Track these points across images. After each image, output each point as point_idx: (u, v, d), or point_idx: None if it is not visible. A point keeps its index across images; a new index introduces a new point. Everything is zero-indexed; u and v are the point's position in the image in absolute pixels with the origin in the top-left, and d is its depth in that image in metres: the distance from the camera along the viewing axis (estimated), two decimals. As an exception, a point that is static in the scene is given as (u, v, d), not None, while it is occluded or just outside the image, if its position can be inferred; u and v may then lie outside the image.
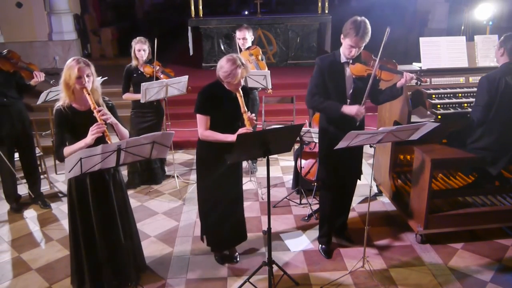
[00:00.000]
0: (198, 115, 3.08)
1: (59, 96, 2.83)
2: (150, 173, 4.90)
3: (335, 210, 3.59)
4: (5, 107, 4.03)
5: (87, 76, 2.70)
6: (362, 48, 3.08)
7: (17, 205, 4.42)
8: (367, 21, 2.99)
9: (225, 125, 3.06)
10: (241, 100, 2.96)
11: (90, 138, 2.64)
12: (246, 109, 2.97)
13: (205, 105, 3.06)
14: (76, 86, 2.69)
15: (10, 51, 4.10)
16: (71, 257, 3.05)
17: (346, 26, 3.02)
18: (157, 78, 4.53)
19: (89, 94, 2.68)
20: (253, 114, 3.01)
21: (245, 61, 3.00)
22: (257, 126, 5.25)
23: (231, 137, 2.92)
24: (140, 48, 4.44)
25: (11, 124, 4.10)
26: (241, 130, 2.92)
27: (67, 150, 2.74)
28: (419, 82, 3.19)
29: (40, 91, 4.32)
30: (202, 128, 3.09)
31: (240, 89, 3.00)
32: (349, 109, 3.10)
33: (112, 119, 2.77)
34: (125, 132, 2.92)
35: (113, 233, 2.95)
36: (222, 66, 2.97)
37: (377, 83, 3.24)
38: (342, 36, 3.08)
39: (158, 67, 4.59)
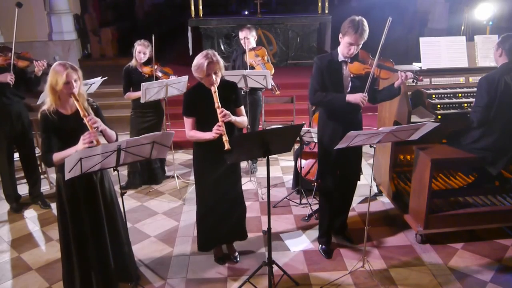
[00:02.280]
0: (184, 118, 3.13)
1: (45, 100, 2.77)
2: (150, 173, 4.90)
3: (335, 210, 3.59)
4: (5, 106, 4.02)
5: (75, 81, 2.65)
6: (361, 46, 3.10)
7: (17, 205, 4.42)
8: (364, 20, 3.04)
9: (212, 123, 3.00)
10: (215, 96, 2.95)
11: (81, 146, 2.59)
12: (220, 105, 2.94)
13: (188, 107, 3.11)
14: (64, 91, 2.64)
15: (2, 47, 4.04)
16: (62, 262, 3.00)
17: (344, 25, 3.06)
18: (157, 78, 4.54)
19: (77, 101, 2.63)
20: (222, 109, 2.94)
21: (218, 57, 3.01)
22: (259, 126, 5.26)
23: (208, 135, 2.98)
24: (141, 51, 4.46)
25: (10, 124, 4.10)
26: (214, 129, 2.91)
27: (57, 156, 2.69)
28: (415, 81, 3.21)
29: (40, 90, 4.31)
30: (187, 129, 3.14)
31: (215, 85, 2.97)
32: (353, 97, 3.12)
33: (102, 126, 2.74)
34: (112, 134, 2.88)
35: (100, 239, 2.91)
36: (194, 61, 3.01)
37: (374, 81, 3.25)
38: (340, 35, 3.12)
39: (156, 66, 4.60)
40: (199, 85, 3.12)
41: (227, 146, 2.82)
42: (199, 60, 2.99)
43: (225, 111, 2.93)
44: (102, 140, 2.68)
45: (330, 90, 3.20)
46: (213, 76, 2.97)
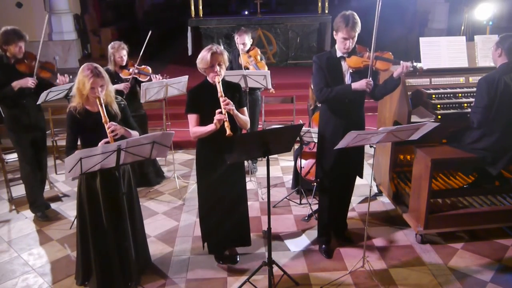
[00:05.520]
0: (188, 115, 3.14)
1: (72, 99, 2.90)
2: (143, 177, 4.80)
3: (334, 210, 3.59)
4: (24, 108, 4.03)
5: (101, 86, 2.78)
6: (355, 39, 3.13)
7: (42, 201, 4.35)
8: (355, 13, 3.08)
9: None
10: (219, 86, 2.95)
11: None
12: (223, 95, 2.94)
13: (192, 103, 3.11)
14: (90, 95, 2.79)
15: (26, 52, 4.06)
16: (78, 251, 3.10)
17: (336, 21, 3.13)
18: (136, 79, 4.49)
19: (101, 105, 2.76)
20: (225, 98, 2.92)
21: (222, 49, 3.03)
22: (258, 126, 5.26)
23: (210, 126, 2.98)
24: (121, 55, 4.39)
25: (29, 122, 4.09)
26: (216, 117, 2.91)
27: None
28: (415, 70, 3.19)
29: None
30: (191, 126, 3.14)
31: (219, 77, 2.98)
32: (359, 84, 3.14)
33: (122, 133, 2.84)
34: (135, 135, 2.97)
35: (120, 230, 2.96)
36: (199, 55, 3.03)
37: (375, 76, 3.26)
38: (334, 32, 3.17)
39: (132, 68, 4.48)
40: (203, 83, 3.13)
41: (228, 131, 2.83)
42: (203, 52, 3.02)
43: (228, 100, 2.93)
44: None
45: (331, 86, 3.22)
46: (217, 67, 2.98)
